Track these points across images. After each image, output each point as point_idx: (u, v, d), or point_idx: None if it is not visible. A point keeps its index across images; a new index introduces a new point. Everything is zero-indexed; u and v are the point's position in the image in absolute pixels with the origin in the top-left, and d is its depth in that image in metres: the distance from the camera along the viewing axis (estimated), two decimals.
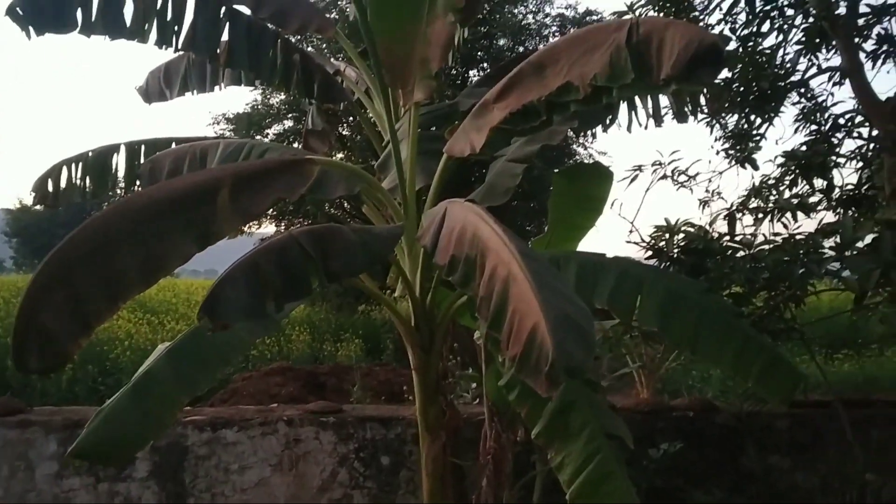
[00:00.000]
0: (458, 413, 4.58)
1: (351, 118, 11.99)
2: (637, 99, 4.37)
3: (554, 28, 13.83)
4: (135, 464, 5.06)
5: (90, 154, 4.76)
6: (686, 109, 4.66)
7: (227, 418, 5.22)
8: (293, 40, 4.74)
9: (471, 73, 13.60)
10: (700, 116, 5.86)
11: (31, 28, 3.72)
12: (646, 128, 4.60)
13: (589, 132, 4.92)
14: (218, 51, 4.13)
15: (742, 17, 6.09)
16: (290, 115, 13.74)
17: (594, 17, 13.48)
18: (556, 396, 3.25)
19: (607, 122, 4.81)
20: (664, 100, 4.53)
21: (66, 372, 9.78)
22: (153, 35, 3.99)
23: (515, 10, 13.69)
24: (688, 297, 3.69)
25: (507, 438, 4.35)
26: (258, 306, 2.75)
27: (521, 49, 13.26)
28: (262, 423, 5.22)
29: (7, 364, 10.21)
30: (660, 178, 5.37)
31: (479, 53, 13.42)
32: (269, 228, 14.43)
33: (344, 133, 12.75)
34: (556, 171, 12.08)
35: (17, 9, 3.68)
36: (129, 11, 3.92)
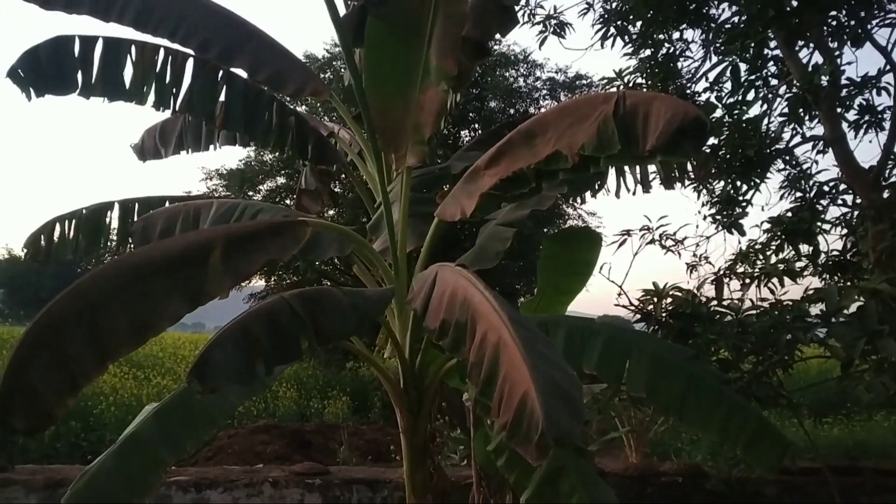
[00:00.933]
0: (446, 476, 4.55)
1: (343, 176, 12.12)
2: (625, 166, 4.48)
3: (544, 91, 14.11)
4: None
5: (84, 211, 4.79)
6: (673, 176, 4.78)
7: (211, 479, 5.16)
8: (288, 102, 4.82)
9: (462, 133, 13.81)
10: (687, 182, 5.95)
11: (31, 90, 3.79)
12: (633, 194, 4.70)
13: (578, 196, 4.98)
14: (215, 113, 4.19)
15: (728, 85, 6.25)
16: (282, 172, 13.85)
17: (583, 82, 13.77)
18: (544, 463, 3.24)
19: (596, 187, 4.92)
20: (652, 166, 4.65)
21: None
22: (151, 97, 4.05)
23: (507, 74, 13.96)
24: (675, 363, 3.71)
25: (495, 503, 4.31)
26: (247, 370, 2.75)
27: (511, 111, 13.50)
28: (247, 484, 5.17)
29: None
30: (648, 242, 5.43)
31: (470, 114, 13.64)
32: (258, 283, 14.42)
33: (336, 190, 12.85)
34: (545, 230, 12.19)
35: (19, 71, 3.75)
36: (128, 74, 3.99)
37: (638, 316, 5.07)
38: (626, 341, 3.76)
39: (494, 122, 13.01)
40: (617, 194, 4.64)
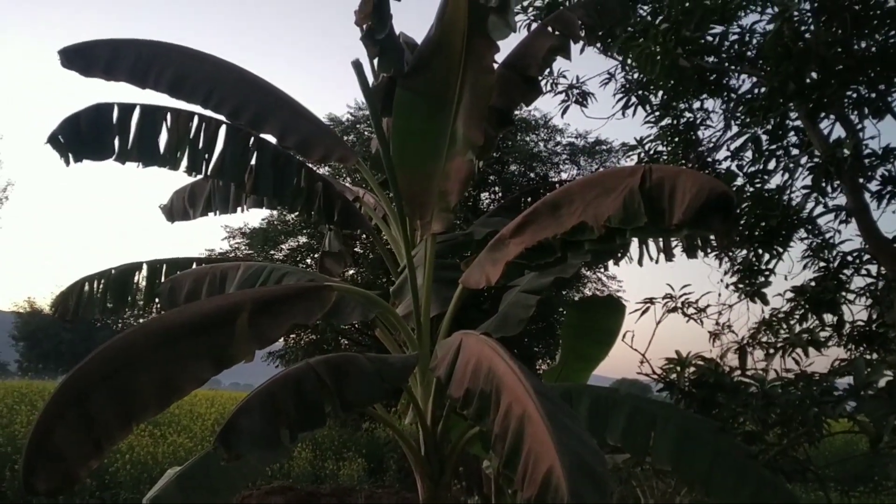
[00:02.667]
0: None
1: (365, 237, 12.24)
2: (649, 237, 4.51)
3: (564, 156, 14.24)
4: None
5: (113, 272, 4.87)
6: (696, 245, 4.79)
7: None
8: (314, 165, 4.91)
9: (482, 195, 13.92)
10: (709, 251, 5.96)
11: (70, 155, 3.91)
12: (656, 262, 4.71)
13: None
14: (245, 178, 4.28)
15: (749, 154, 6.29)
16: (304, 232, 13.99)
17: (604, 147, 13.89)
18: None
19: (619, 255, 4.93)
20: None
21: None
22: (184, 163, 4.15)
23: (527, 138, 14.13)
24: (701, 436, 3.65)
25: None
26: (273, 437, 2.75)
27: (532, 175, 13.62)
28: None
29: (5, 475, 10.02)
30: (670, 310, 5.41)
31: (490, 177, 13.78)
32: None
33: (357, 250, 12.95)
34: (564, 294, 12.16)
35: (59, 137, 3.88)
36: (163, 140, 4.10)
37: (660, 384, 5.04)
38: (651, 412, 3.71)
39: (514, 185, 13.12)
40: (640, 262, 4.65)
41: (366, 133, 12.80)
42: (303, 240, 14.05)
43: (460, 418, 4.15)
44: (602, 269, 13.81)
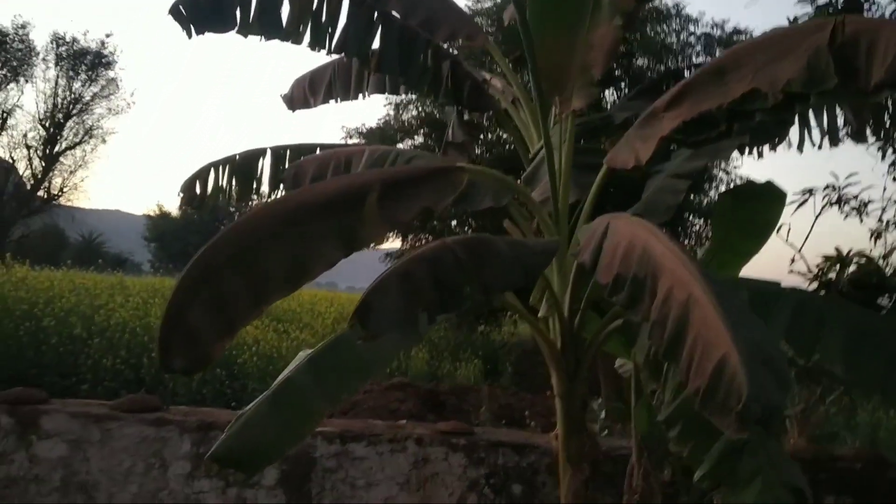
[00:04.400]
0: (598, 445, 4.27)
1: (488, 135, 11.84)
2: (812, 117, 4.01)
3: (698, 48, 13.22)
4: (264, 471, 4.98)
5: (237, 157, 4.78)
6: (866, 126, 4.25)
7: (356, 432, 5.07)
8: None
9: (606, 93, 13.18)
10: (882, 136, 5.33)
11: (191, 26, 3.77)
12: (819, 147, 4.20)
13: (755, 150, 4.49)
14: (369, 54, 4.04)
15: None
16: (421, 131, 13.75)
17: (743, 37, 12.79)
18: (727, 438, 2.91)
19: (776, 141, 4.44)
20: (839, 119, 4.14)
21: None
22: (307, 37, 3.94)
23: (658, 29, 13.17)
24: (878, 334, 3.25)
25: (654, 478, 4.01)
26: (410, 318, 2.57)
27: (661, 68, 12.73)
28: (391, 439, 5.06)
29: (142, 361, 10.61)
30: (833, 202, 4.90)
31: (617, 72, 13.00)
32: (395, 244, 14.43)
33: (485, 139, 12.52)
34: (694, 199, 11.50)
35: (180, 7, 3.73)
36: (285, 12, 3.89)
37: (815, 284, 4.62)
38: (819, 307, 3.32)
39: (642, 80, 12.33)
40: (800, 148, 4.16)
41: (490, 29, 12.24)
42: (419, 140, 13.82)
43: (598, 314, 3.90)
44: (735, 170, 12.93)
